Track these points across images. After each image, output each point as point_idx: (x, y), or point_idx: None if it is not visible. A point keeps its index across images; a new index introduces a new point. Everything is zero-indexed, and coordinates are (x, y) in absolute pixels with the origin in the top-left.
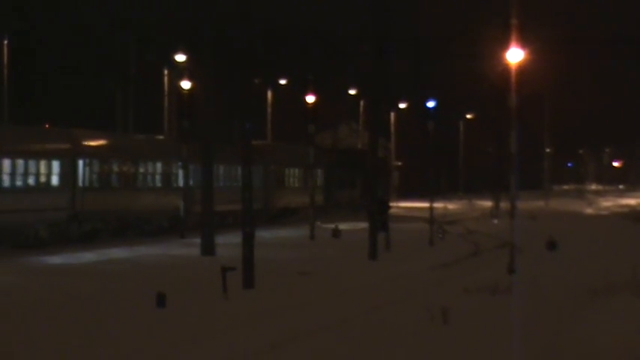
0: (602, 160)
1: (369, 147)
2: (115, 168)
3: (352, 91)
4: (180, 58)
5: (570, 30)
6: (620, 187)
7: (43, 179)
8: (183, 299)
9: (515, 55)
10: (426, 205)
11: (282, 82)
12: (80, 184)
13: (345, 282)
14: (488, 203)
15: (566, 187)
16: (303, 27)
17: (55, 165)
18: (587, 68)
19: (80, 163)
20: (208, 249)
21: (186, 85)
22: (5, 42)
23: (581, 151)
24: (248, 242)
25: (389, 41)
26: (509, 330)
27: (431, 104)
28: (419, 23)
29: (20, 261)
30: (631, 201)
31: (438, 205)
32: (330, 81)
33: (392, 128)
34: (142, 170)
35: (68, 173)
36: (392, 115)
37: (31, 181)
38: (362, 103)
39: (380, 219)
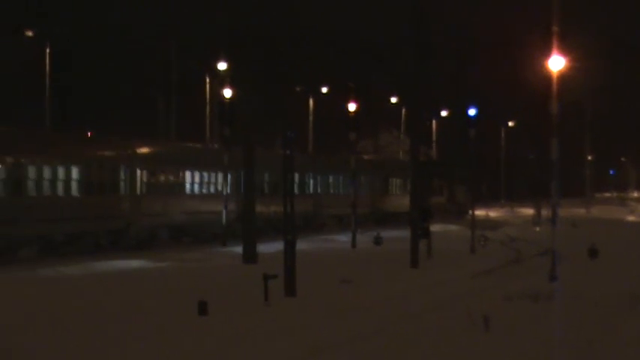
0: None
1: (410, 154)
2: (267, 178)
3: (393, 99)
4: (222, 66)
5: (614, 37)
6: None
7: (214, 188)
8: (225, 307)
9: (556, 63)
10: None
11: (324, 90)
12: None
13: (386, 289)
14: (529, 210)
15: (607, 194)
16: (344, 35)
17: (220, 176)
18: (629, 75)
19: (228, 176)
20: (250, 257)
21: (227, 93)
22: (47, 50)
23: (623, 159)
24: (290, 250)
25: (430, 49)
26: (551, 337)
27: (472, 112)
28: (460, 30)
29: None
30: None
31: (479, 212)
32: (372, 89)
33: (433, 136)
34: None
35: (235, 183)
36: (433, 122)
37: (204, 189)
38: (403, 110)
39: (422, 226)
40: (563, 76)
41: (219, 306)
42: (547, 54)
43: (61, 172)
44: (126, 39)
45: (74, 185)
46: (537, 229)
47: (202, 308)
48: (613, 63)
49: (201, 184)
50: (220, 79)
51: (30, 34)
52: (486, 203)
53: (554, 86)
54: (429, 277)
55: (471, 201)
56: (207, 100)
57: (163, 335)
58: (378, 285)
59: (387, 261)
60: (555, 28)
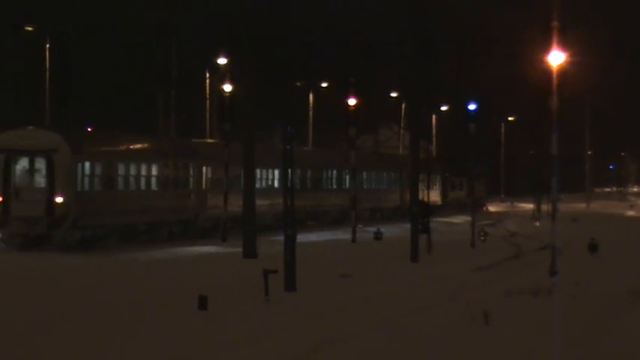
0: None
1: (410, 149)
2: (309, 174)
3: (393, 94)
4: (222, 61)
5: (614, 31)
6: None
7: (266, 183)
8: (225, 302)
9: (556, 58)
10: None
11: (324, 85)
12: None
13: (386, 284)
14: (529, 205)
15: (607, 189)
16: (344, 30)
17: (277, 172)
18: (629, 70)
19: (276, 172)
20: (250, 252)
21: (227, 88)
22: (47, 45)
23: (622, 154)
24: (290, 245)
25: (430, 44)
26: (551, 332)
27: (472, 107)
28: (460, 26)
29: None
30: None
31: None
32: (372, 84)
33: (433, 131)
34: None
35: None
36: (433, 117)
37: (257, 185)
38: (403, 105)
39: (422, 221)
40: (563, 71)
41: (220, 300)
42: (547, 49)
43: (143, 169)
44: (125, 34)
45: (153, 181)
46: (537, 224)
47: (202, 303)
48: (613, 58)
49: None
50: (220, 75)
51: (30, 29)
52: (486, 198)
53: (554, 81)
54: (428, 271)
55: (472, 195)
56: (207, 96)
57: (160, 328)
58: (377, 280)
59: (388, 256)
60: (555, 23)
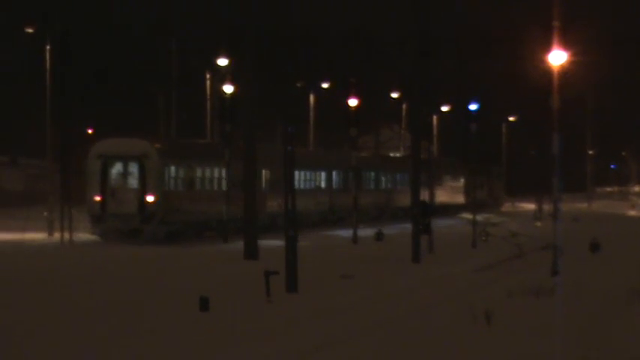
0: None
1: (411, 150)
2: (343, 175)
3: (394, 94)
4: (222, 62)
5: (615, 31)
6: None
7: (314, 184)
8: (227, 303)
9: (557, 58)
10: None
11: (325, 85)
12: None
13: (387, 285)
14: (531, 205)
15: (609, 189)
16: (345, 30)
17: (323, 174)
18: (631, 70)
19: (334, 173)
20: (251, 253)
21: (228, 89)
22: (47, 47)
23: (623, 153)
24: (291, 246)
25: (430, 43)
26: (552, 331)
27: (473, 107)
28: (461, 25)
29: None
30: None
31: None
32: (373, 84)
33: (434, 131)
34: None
35: (327, 180)
36: (434, 117)
37: (307, 185)
38: (404, 106)
39: (423, 222)
40: (564, 71)
41: (221, 301)
42: (548, 48)
43: (215, 172)
44: (125, 33)
45: (223, 183)
46: (538, 223)
47: (203, 304)
48: (615, 57)
49: (305, 181)
50: (221, 75)
51: (30, 30)
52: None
53: (555, 81)
54: (429, 271)
55: (474, 195)
56: (208, 96)
57: (163, 327)
58: (379, 280)
59: (389, 257)
60: (556, 23)
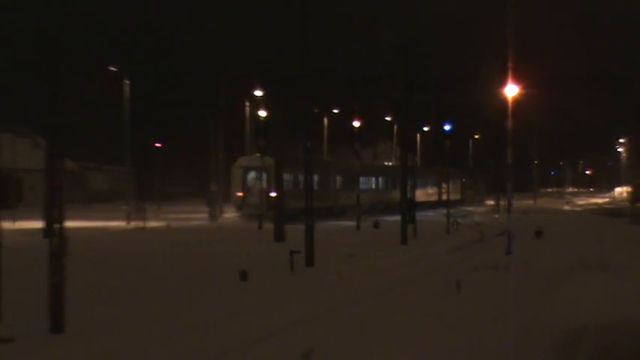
0: (577, 169)
1: (401, 160)
2: (381, 180)
3: (388, 117)
4: (258, 92)
5: (561, 67)
6: (591, 189)
7: (373, 187)
8: (262, 275)
9: (511, 90)
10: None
11: (335, 110)
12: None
13: (382, 261)
14: (491, 202)
15: (549, 189)
16: (350, 68)
17: (380, 179)
18: (570, 98)
19: (380, 179)
20: (280, 237)
21: (262, 113)
22: (127, 82)
23: (561, 163)
24: (309, 232)
25: (414, 79)
26: (507, 295)
27: (447, 127)
28: (438, 63)
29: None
30: (598, 200)
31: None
32: (371, 109)
33: (418, 146)
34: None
35: (376, 183)
36: (418, 135)
37: (368, 186)
38: (395, 126)
39: (409, 214)
40: (517, 100)
41: (257, 274)
42: (504, 83)
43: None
44: (182, 70)
45: (315, 184)
46: (496, 216)
47: (243, 276)
48: (558, 88)
49: (364, 183)
50: (256, 103)
51: (114, 69)
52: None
53: (509, 108)
54: (414, 251)
55: (448, 195)
56: (247, 119)
57: (212, 295)
58: (375, 258)
59: (383, 240)
60: (510, 64)
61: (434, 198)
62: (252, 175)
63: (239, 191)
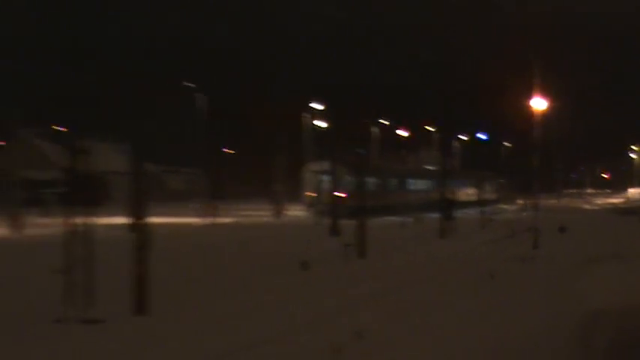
0: (595, 172)
1: (441, 165)
2: (427, 182)
3: (430, 128)
4: (317, 105)
5: (589, 80)
6: (608, 191)
7: (423, 187)
8: (320, 265)
9: (538, 104)
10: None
11: (384, 121)
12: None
13: (424, 254)
14: (521, 201)
15: (571, 191)
16: (398, 86)
17: (429, 182)
18: (588, 108)
19: (429, 182)
20: (335, 231)
21: (321, 124)
22: (202, 95)
23: (582, 168)
24: (361, 227)
25: (453, 93)
26: (534, 282)
27: (482, 136)
28: (475, 78)
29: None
30: (615, 200)
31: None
32: (415, 121)
33: (457, 152)
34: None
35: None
36: (456, 143)
37: (420, 187)
38: (437, 135)
39: (448, 211)
40: (544, 112)
41: (316, 264)
42: (531, 97)
43: (370, 178)
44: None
45: (372, 185)
46: (525, 214)
47: (304, 265)
48: (581, 101)
49: (412, 185)
50: (315, 115)
51: (192, 85)
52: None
53: (537, 119)
54: (452, 245)
55: (482, 196)
56: (304, 128)
57: (280, 281)
58: (418, 251)
59: (424, 234)
60: (536, 79)
61: (473, 198)
62: (321, 177)
63: (310, 191)
